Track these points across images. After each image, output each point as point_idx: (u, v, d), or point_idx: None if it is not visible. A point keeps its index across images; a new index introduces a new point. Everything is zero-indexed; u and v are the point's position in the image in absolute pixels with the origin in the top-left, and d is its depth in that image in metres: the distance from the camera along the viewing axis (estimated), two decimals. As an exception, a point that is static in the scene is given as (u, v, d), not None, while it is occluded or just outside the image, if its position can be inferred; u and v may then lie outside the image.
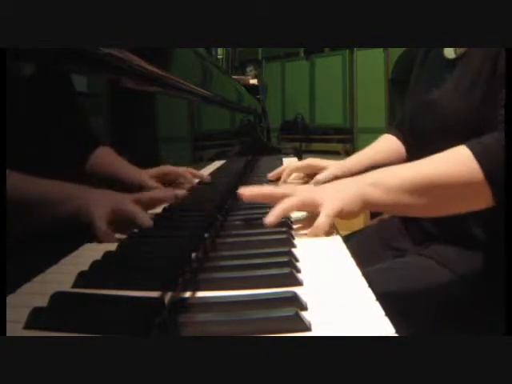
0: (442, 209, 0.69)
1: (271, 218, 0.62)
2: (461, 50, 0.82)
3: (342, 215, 0.64)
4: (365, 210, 0.67)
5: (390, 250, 0.94)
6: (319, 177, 0.98)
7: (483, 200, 0.65)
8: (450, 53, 0.85)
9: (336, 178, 0.93)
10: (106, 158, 0.57)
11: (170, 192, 0.67)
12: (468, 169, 0.64)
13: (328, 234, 0.63)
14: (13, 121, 0.38)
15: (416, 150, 0.90)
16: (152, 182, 0.64)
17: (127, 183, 0.61)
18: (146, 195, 0.62)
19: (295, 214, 0.70)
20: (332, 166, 1.03)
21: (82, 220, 0.49)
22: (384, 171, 0.69)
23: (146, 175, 0.64)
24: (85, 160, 0.52)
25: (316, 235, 0.62)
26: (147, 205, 0.61)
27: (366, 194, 0.65)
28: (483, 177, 0.63)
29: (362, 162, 1.03)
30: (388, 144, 1.08)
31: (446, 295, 0.76)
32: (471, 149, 0.65)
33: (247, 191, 0.68)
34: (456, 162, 0.65)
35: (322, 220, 0.62)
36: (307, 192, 0.66)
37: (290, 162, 1.05)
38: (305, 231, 0.64)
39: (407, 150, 1.02)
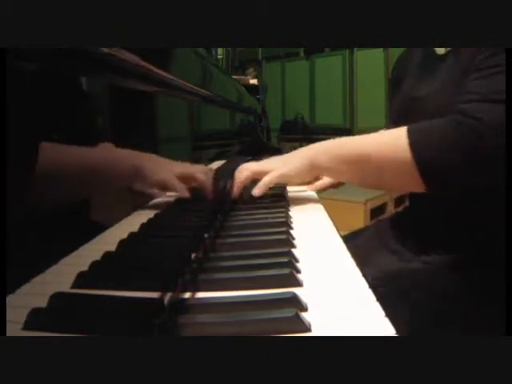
0: (374, 182, 0.76)
1: (235, 191, 0.80)
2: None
3: (290, 178, 0.78)
4: (314, 172, 0.79)
5: (389, 251, 0.94)
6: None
7: (413, 182, 0.67)
8: (440, 49, 0.83)
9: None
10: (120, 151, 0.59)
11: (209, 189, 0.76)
12: (397, 146, 0.67)
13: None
14: (16, 120, 0.38)
15: None
16: (177, 183, 0.69)
17: None
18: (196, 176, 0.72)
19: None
20: None
21: (139, 178, 0.59)
22: (335, 141, 0.77)
23: (171, 174, 0.69)
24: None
25: (260, 190, 0.77)
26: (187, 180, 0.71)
27: (315, 158, 0.76)
28: (410, 156, 0.66)
29: None
30: None
31: (445, 298, 0.76)
32: (407, 129, 0.68)
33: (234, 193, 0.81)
34: (390, 140, 0.70)
35: (265, 179, 0.77)
36: (257, 165, 0.82)
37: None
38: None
39: None
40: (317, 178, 0.98)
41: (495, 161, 0.63)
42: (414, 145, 0.66)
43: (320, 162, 0.75)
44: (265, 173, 0.78)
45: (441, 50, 0.83)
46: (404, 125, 0.88)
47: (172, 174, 0.65)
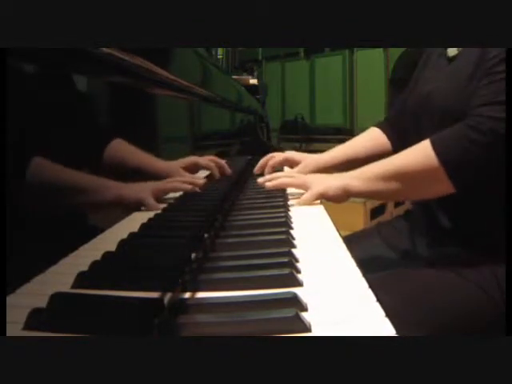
0: (409, 193, 0.83)
1: (270, 184, 0.88)
2: (461, 49, 0.84)
3: (326, 198, 0.82)
4: (348, 198, 0.83)
5: (392, 250, 0.93)
6: (295, 171, 1.04)
7: (443, 186, 0.73)
8: (452, 51, 0.86)
9: (310, 172, 1.01)
10: (122, 149, 0.61)
11: (187, 185, 0.79)
12: (425, 157, 0.74)
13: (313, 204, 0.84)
14: (15, 120, 0.38)
15: (414, 139, 0.90)
16: (151, 202, 0.71)
17: (146, 172, 0.72)
18: (166, 186, 0.76)
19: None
20: (307, 159, 1.06)
21: (124, 204, 0.63)
22: (366, 166, 0.83)
23: (147, 191, 0.71)
24: (100, 153, 0.57)
25: (301, 204, 0.83)
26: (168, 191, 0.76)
27: (348, 184, 0.81)
28: (438, 162, 0.72)
29: (338, 156, 1.08)
30: (371, 138, 1.08)
31: (452, 298, 0.75)
32: (430, 140, 0.75)
33: (269, 184, 0.89)
34: (417, 152, 0.76)
35: (307, 195, 0.83)
36: (304, 177, 0.89)
37: (270, 155, 1.14)
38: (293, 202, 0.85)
39: (394, 144, 1.04)
40: None
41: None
42: (439, 151, 0.72)
43: (355, 187, 0.81)
44: (306, 187, 0.85)
45: (452, 52, 0.85)
46: (415, 121, 0.90)
47: (149, 193, 0.70)
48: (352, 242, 0.98)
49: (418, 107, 0.90)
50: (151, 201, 0.69)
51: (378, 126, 1.09)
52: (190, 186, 0.77)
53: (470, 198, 0.80)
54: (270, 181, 0.90)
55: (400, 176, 0.77)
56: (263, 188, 0.91)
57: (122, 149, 0.63)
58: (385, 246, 0.96)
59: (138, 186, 0.69)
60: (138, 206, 0.68)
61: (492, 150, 0.70)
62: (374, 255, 0.93)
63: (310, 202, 0.83)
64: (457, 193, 0.74)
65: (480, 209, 0.81)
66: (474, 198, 0.80)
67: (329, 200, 0.84)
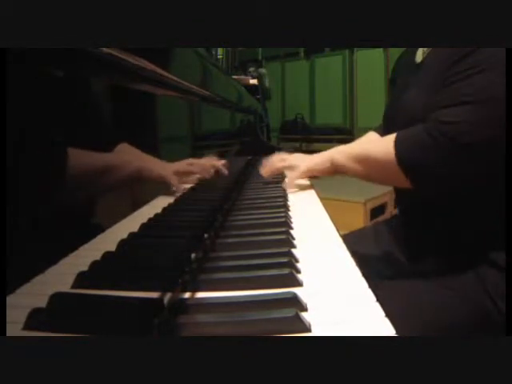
0: (375, 179, 0.89)
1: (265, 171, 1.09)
2: (425, 54, 0.86)
3: (315, 172, 0.96)
4: (335, 170, 0.92)
5: (386, 259, 0.94)
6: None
7: (401, 179, 0.78)
8: (418, 57, 0.88)
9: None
10: (127, 153, 0.61)
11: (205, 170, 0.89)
12: (386, 150, 0.79)
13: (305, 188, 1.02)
14: (15, 121, 0.38)
15: None
16: (174, 179, 0.77)
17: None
18: (186, 168, 0.83)
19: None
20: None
21: (143, 177, 0.65)
22: (349, 144, 0.97)
23: (169, 171, 0.76)
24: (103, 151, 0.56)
25: (289, 185, 1.01)
26: (186, 175, 0.83)
27: (333, 157, 0.92)
28: (394, 158, 0.78)
29: None
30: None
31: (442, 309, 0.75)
32: (396, 135, 0.80)
33: (265, 172, 1.09)
34: (383, 143, 0.83)
35: (295, 173, 0.98)
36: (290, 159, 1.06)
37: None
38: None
39: None
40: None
41: (470, 157, 0.70)
42: (398, 149, 0.78)
43: (337, 159, 0.91)
44: (293, 166, 0.98)
45: (419, 58, 0.88)
46: (388, 126, 0.93)
47: (170, 172, 0.74)
48: (351, 239, 0.98)
49: (393, 112, 0.94)
50: (174, 179, 0.73)
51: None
52: (207, 172, 0.85)
53: (450, 201, 0.80)
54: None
55: (366, 160, 0.85)
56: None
57: (126, 152, 0.63)
58: (378, 247, 0.96)
59: (161, 163, 0.73)
60: (157, 181, 0.70)
61: (449, 153, 0.71)
62: (368, 253, 0.94)
63: (300, 178, 0.96)
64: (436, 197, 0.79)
65: (461, 211, 0.81)
66: (454, 201, 0.80)
67: (317, 173, 0.95)
